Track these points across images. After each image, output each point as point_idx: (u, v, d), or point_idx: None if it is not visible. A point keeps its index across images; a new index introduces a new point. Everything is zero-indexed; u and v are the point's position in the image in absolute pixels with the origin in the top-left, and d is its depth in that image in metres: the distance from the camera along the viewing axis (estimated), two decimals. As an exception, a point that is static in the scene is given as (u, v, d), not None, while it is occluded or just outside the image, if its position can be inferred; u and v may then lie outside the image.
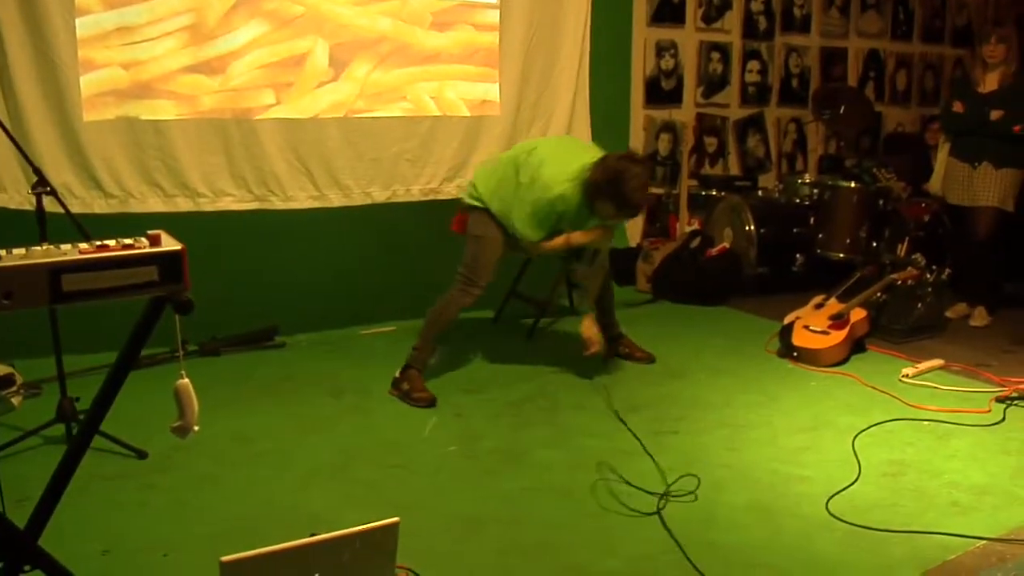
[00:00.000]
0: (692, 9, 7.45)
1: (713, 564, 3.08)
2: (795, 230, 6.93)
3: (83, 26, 4.72)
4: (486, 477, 3.81)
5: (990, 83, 6.03)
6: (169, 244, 2.46)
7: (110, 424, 3.22)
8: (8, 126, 4.30)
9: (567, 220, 4.69)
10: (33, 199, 3.84)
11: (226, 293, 5.14)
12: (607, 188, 4.48)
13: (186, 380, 2.62)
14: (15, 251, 2.57)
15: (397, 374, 4.72)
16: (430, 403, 4.57)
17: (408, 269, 5.83)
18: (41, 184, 3.80)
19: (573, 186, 4.55)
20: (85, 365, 4.63)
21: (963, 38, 9.16)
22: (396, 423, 4.36)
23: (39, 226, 3.77)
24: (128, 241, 2.52)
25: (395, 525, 2.35)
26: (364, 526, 2.35)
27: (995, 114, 5.89)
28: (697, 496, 3.58)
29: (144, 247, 2.47)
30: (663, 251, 6.81)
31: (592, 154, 4.69)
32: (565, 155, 4.71)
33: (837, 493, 3.62)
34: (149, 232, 2.59)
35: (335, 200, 5.43)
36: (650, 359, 5.29)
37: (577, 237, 4.79)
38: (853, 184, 6.80)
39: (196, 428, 2.67)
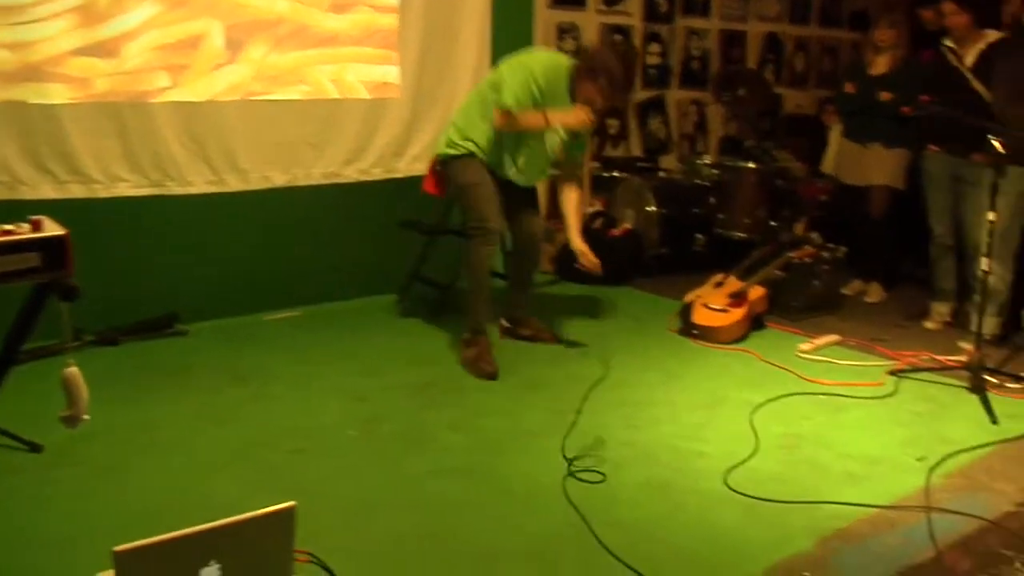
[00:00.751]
0: (593, -9, 7.49)
1: (617, 541, 3.11)
2: (695, 210, 7.03)
3: (-37, 5, 4.56)
4: (388, 461, 3.79)
5: (880, 66, 6.19)
6: (52, 229, 2.41)
7: (2, 418, 3.13)
8: None
9: (548, 99, 4.73)
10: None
11: (124, 281, 5.05)
12: (597, 64, 4.66)
13: (74, 368, 2.57)
14: None
15: (467, 335, 4.89)
16: (491, 376, 4.66)
17: (312, 253, 5.78)
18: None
19: (558, 65, 4.76)
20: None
21: (859, 22, 9.35)
22: (299, 408, 4.31)
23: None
24: (8, 227, 2.46)
25: (292, 509, 2.33)
26: (260, 511, 2.32)
27: (884, 95, 6.04)
28: (604, 475, 3.62)
29: (25, 232, 2.41)
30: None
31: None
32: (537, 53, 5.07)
33: (735, 467, 3.70)
34: (31, 217, 2.53)
35: (233, 184, 5.35)
36: (556, 340, 5.27)
37: (555, 117, 4.74)
38: (752, 165, 6.92)
39: (86, 416, 2.63)
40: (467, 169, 4.84)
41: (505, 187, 4.96)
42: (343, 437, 4.00)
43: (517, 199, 5.09)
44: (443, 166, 4.97)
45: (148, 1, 5.00)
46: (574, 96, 4.75)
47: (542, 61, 4.83)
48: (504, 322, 5.28)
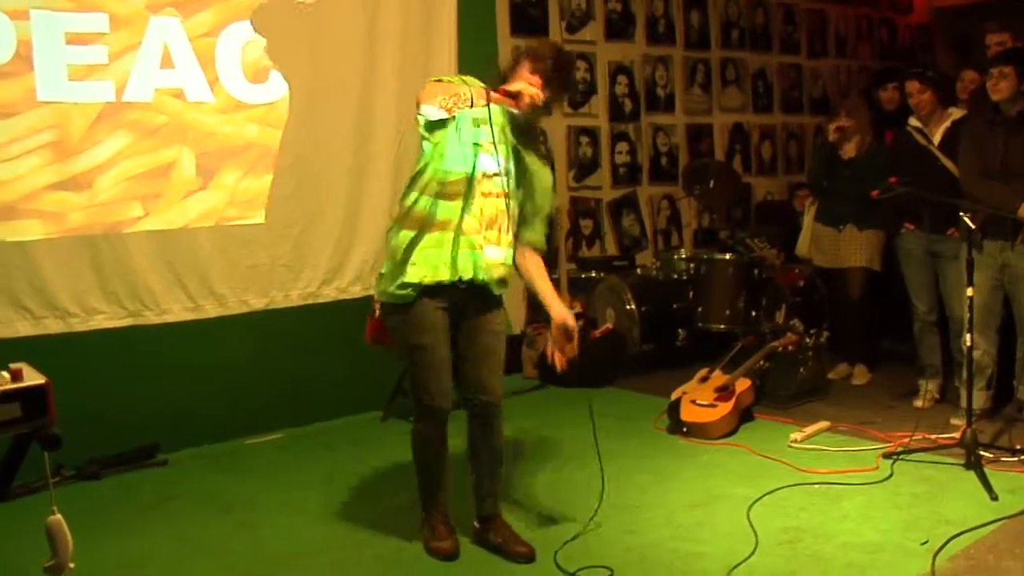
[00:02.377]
0: (557, 97, 7.57)
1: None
2: (675, 305, 7.03)
3: (-64, 148, 4.58)
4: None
5: (848, 151, 6.29)
6: (32, 378, 2.38)
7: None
8: None
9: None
10: None
11: (102, 411, 4.96)
12: (543, 49, 3.77)
13: (58, 516, 2.51)
14: None
15: (422, 513, 4.03)
16: (447, 556, 3.87)
17: (291, 374, 5.72)
18: None
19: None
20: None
21: (821, 106, 9.52)
22: (286, 535, 4.21)
23: None
24: (-12, 377, 2.43)
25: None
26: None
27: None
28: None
29: (6, 383, 2.38)
30: (546, 337, 6.80)
31: None
32: None
33: (736, 567, 3.62)
34: (11, 366, 2.50)
35: (211, 311, 5.33)
36: (529, 557, 3.83)
37: (495, 95, 3.54)
38: (728, 256, 6.94)
39: (72, 565, 2.56)
40: (410, 323, 3.72)
41: (457, 320, 3.80)
42: (330, 561, 3.91)
43: (472, 340, 3.85)
44: (383, 314, 3.91)
45: (119, 132, 5.04)
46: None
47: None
48: (476, 523, 4.04)
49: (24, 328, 4.84)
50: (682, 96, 8.52)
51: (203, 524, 4.36)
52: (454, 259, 3.63)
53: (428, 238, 3.62)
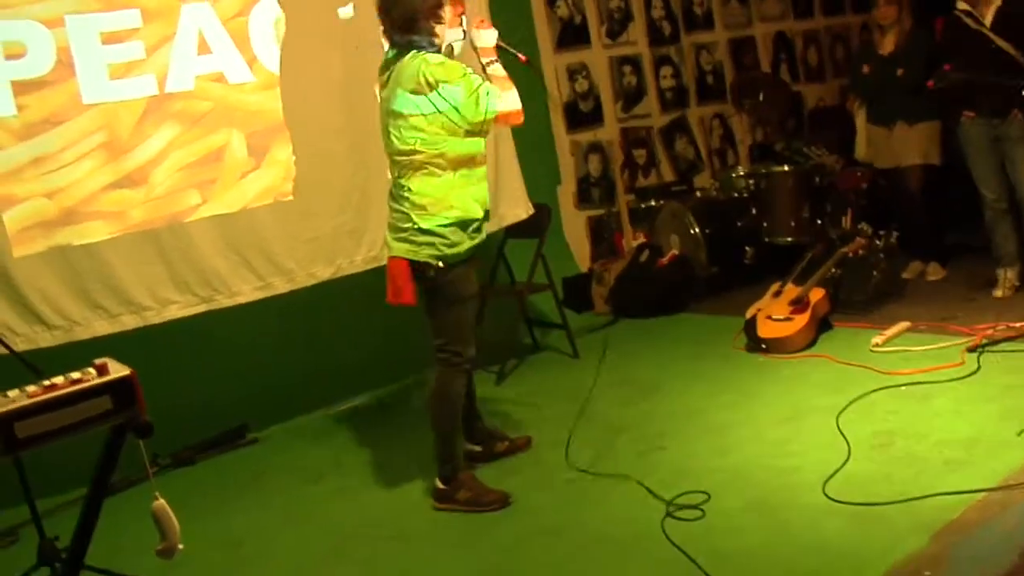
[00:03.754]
0: (595, 28, 7.50)
1: (728, 573, 3.05)
2: (739, 223, 6.96)
3: (-3, 163, 4.66)
4: (480, 531, 3.77)
5: (888, 45, 6.16)
6: (118, 370, 2.44)
7: (95, 557, 3.16)
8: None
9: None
10: (-27, 344, 3.79)
11: (186, 400, 5.05)
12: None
13: (161, 501, 2.59)
14: (-37, 409, 2.52)
15: (439, 485, 4.06)
16: (505, 503, 3.98)
17: (367, 337, 5.76)
18: (-21, 328, 3.74)
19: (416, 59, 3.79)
20: (58, 502, 4.53)
21: (863, 4, 9.29)
22: (381, 497, 4.30)
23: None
24: (76, 375, 2.49)
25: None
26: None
27: (899, 71, 5.99)
28: (702, 510, 3.55)
29: (93, 378, 2.44)
30: (615, 270, 6.82)
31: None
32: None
33: (831, 476, 3.62)
34: (95, 361, 2.56)
35: (281, 287, 5.36)
36: (528, 443, 4.56)
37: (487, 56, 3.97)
38: (787, 167, 6.84)
39: (181, 546, 2.64)
40: (464, 280, 3.97)
41: None
42: (431, 516, 3.98)
43: None
44: (429, 274, 3.89)
45: (167, 123, 5.07)
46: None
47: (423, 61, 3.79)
48: (476, 447, 4.48)
49: (102, 327, 4.92)
50: (720, 11, 8.35)
51: (299, 495, 4.47)
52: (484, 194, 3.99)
53: (468, 175, 3.92)
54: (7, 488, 3.91)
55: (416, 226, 3.83)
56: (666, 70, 7.95)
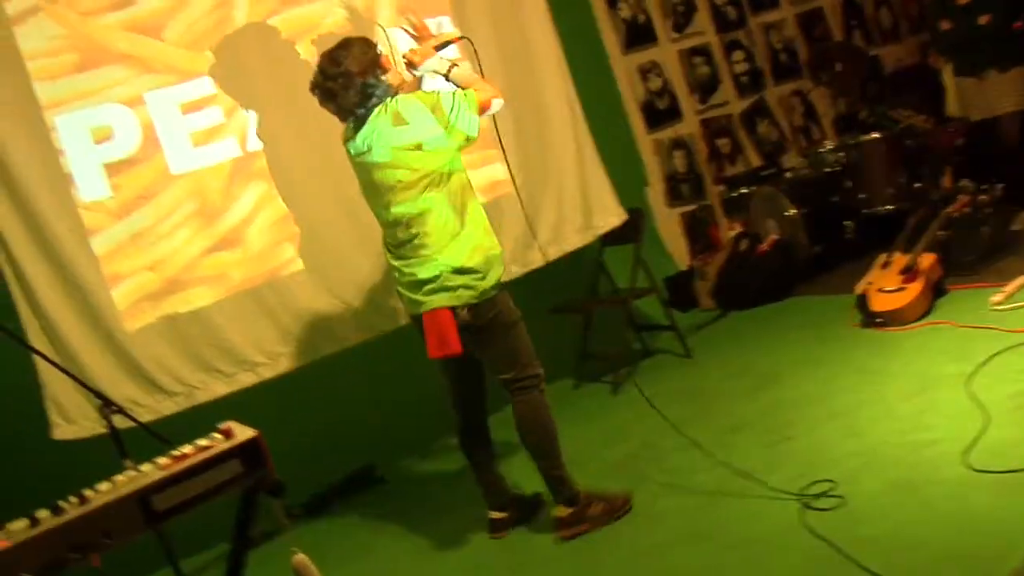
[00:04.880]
0: (660, 23, 7.44)
1: (875, 559, 2.97)
2: (835, 199, 6.80)
3: (99, 244, 4.76)
4: (622, 539, 3.76)
5: (962, -9, 5.98)
6: (243, 433, 2.47)
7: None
8: (57, 359, 4.38)
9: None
10: (103, 422, 3.88)
11: (308, 447, 5.12)
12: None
13: (300, 555, 2.61)
14: (100, 487, 2.58)
15: (563, 512, 3.95)
16: (629, 498, 4.02)
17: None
18: (106, 406, 3.84)
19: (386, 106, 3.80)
20: (198, 563, 4.62)
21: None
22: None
23: (116, 444, 3.81)
24: (203, 442, 2.53)
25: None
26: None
27: (983, 19, 5.80)
28: (842, 496, 3.46)
29: (220, 443, 2.48)
30: (715, 264, 6.74)
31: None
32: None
33: (972, 446, 3.49)
34: (220, 426, 2.60)
35: (386, 326, 5.38)
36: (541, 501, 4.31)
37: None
38: (875, 135, 6.68)
39: (326, 599, 2.66)
40: (507, 303, 3.93)
41: None
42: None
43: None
44: (474, 311, 3.82)
45: (252, 183, 5.14)
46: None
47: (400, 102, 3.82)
48: (490, 513, 4.26)
49: (220, 388, 5.01)
50: (784, -13, 8.22)
51: (433, 529, 4.46)
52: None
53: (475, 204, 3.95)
54: (147, 553, 4.00)
55: (450, 268, 3.78)
56: (738, 55, 7.84)
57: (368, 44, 3.83)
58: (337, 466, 5.37)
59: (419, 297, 3.85)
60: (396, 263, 3.94)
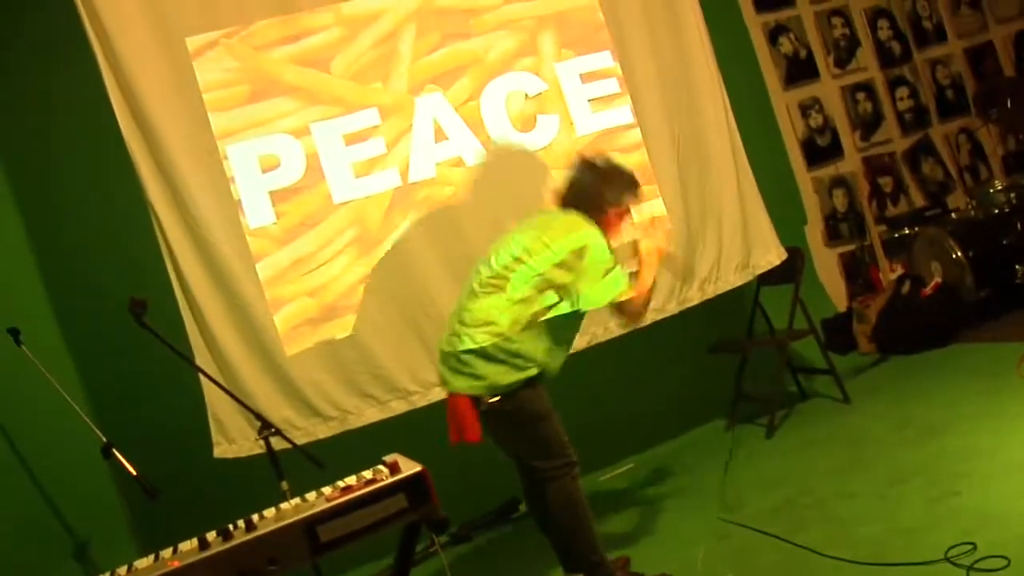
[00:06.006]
0: (822, 59, 7.31)
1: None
2: (1004, 241, 6.51)
3: (263, 269, 4.90)
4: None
5: None
6: (409, 467, 2.48)
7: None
8: (221, 380, 4.51)
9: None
10: (262, 443, 3.98)
11: (451, 478, 5.13)
12: (609, 164, 4.07)
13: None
14: (266, 513, 2.63)
15: None
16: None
17: (626, 403, 5.72)
18: (265, 427, 3.95)
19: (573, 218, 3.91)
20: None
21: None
22: (664, 558, 4.19)
23: (273, 466, 3.91)
24: (368, 475, 2.55)
25: None
26: None
27: None
28: (1008, 558, 3.26)
29: (386, 477, 2.49)
30: (875, 306, 6.53)
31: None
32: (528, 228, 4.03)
33: None
34: (385, 459, 2.62)
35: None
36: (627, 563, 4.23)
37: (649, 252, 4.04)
38: (1049, 175, 6.40)
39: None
40: (537, 396, 3.85)
41: None
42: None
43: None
44: (501, 400, 3.79)
45: (411, 212, 5.18)
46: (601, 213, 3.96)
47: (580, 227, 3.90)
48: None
49: (372, 414, 5.08)
50: (951, 21, 7.96)
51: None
52: None
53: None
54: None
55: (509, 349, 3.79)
56: (902, 91, 7.62)
57: (628, 189, 4.03)
58: (480, 499, 5.38)
59: (444, 371, 3.98)
60: (458, 331, 3.94)
